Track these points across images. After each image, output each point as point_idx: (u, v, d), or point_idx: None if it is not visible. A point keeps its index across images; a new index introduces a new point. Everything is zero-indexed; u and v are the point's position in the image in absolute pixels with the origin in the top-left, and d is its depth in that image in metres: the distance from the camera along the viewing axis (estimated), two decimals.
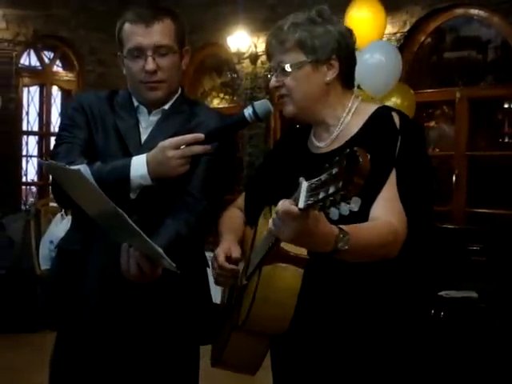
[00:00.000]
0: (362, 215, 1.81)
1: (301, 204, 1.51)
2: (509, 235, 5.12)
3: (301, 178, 1.56)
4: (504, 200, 6.25)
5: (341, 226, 1.67)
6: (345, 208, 1.44)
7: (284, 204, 1.58)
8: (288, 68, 1.98)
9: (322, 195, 1.45)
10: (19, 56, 8.04)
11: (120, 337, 2.22)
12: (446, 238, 5.32)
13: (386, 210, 1.83)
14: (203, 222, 2.19)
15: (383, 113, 1.99)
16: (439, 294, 4.75)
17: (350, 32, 2.04)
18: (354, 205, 1.44)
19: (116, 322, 2.20)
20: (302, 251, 1.81)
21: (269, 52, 2.06)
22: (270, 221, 1.66)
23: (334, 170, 1.43)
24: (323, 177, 1.46)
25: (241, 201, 2.25)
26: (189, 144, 2.11)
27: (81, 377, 2.27)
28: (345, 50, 2.00)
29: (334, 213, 1.46)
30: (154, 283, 2.10)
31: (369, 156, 1.43)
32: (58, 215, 6.76)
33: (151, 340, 2.23)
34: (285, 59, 1.99)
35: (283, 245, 1.78)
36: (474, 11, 6.34)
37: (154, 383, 2.27)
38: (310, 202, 1.49)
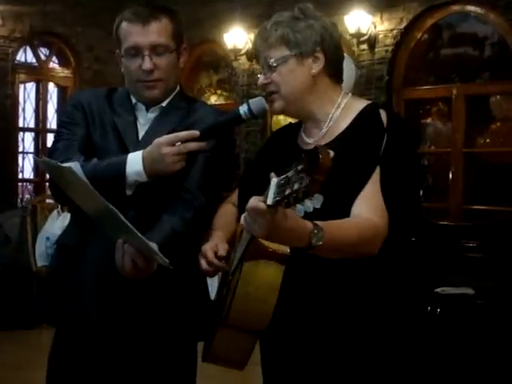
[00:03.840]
0: (344, 211, 1.83)
1: (269, 201, 1.54)
2: (505, 232, 5.13)
3: (272, 174, 1.59)
4: (500, 197, 6.27)
5: (316, 222, 1.68)
6: (308, 205, 1.46)
7: (252, 201, 1.60)
8: (273, 63, 1.99)
9: (287, 191, 1.47)
10: (15, 52, 8.04)
11: (118, 333, 2.22)
12: (442, 234, 5.34)
13: (368, 207, 1.84)
14: (200, 218, 2.19)
15: (371, 110, 2.00)
16: (435, 290, 4.76)
17: (333, 25, 2.06)
18: (317, 201, 1.46)
19: (114, 318, 2.21)
20: (283, 247, 1.81)
21: (255, 52, 2.08)
22: (242, 218, 1.68)
23: (299, 167, 1.46)
24: (290, 173, 1.49)
25: (235, 196, 2.25)
26: (184, 141, 2.12)
27: (79, 373, 2.28)
28: (329, 42, 2.01)
29: (299, 209, 1.48)
30: (152, 279, 2.10)
31: (331, 154, 1.46)
32: (55, 212, 6.77)
33: (149, 336, 2.23)
34: (270, 55, 2.01)
35: (263, 241, 1.79)
36: (471, 8, 6.36)
37: (151, 379, 2.28)
38: (277, 199, 1.51)
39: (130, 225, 1.92)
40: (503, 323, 4.46)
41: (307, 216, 1.64)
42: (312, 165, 1.44)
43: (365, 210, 1.83)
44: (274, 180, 1.55)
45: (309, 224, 1.67)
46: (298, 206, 1.48)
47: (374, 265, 1.90)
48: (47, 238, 6.59)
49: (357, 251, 1.82)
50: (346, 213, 1.83)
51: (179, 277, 2.17)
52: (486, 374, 4.38)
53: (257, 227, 1.62)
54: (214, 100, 8.44)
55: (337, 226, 1.75)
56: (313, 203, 1.47)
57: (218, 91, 8.60)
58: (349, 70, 5.76)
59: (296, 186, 1.45)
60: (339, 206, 1.83)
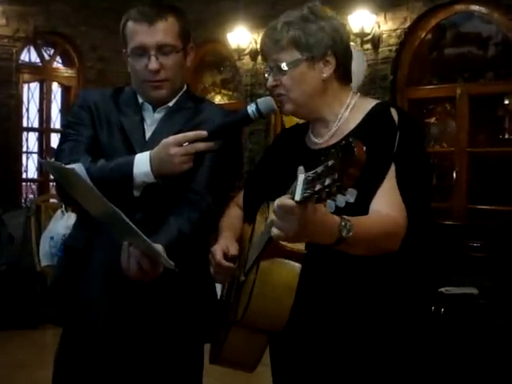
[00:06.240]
0: (361, 209, 1.82)
1: (297, 197, 1.52)
2: (509, 232, 5.12)
3: (300, 168, 1.56)
4: (504, 196, 6.25)
5: (342, 216, 1.67)
6: (341, 200, 1.46)
7: (279, 199, 1.58)
8: (284, 67, 1.98)
9: (318, 187, 1.46)
10: (19, 52, 8.03)
11: (124, 335, 2.22)
12: (446, 234, 5.32)
13: (387, 204, 1.84)
14: (207, 219, 2.18)
15: (381, 108, 1.99)
16: (439, 290, 4.75)
17: (343, 27, 2.05)
18: (350, 196, 1.46)
19: (121, 320, 2.20)
20: (300, 246, 1.80)
21: (264, 52, 2.06)
22: (269, 221, 1.66)
23: (330, 162, 1.45)
24: (319, 169, 1.47)
25: (240, 198, 2.25)
26: (192, 141, 2.11)
27: (85, 374, 2.27)
28: (340, 46, 2.00)
29: (330, 205, 1.47)
30: (159, 281, 2.09)
31: (364, 147, 1.44)
32: (59, 212, 6.76)
33: (156, 338, 2.22)
34: (280, 58, 1.99)
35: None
36: (475, 7, 6.34)
37: (158, 381, 2.27)
38: (306, 195, 1.49)
39: (134, 227, 1.91)
40: (507, 323, 4.45)
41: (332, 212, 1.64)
42: (347, 159, 1.42)
43: (384, 206, 1.83)
44: (302, 176, 1.53)
45: (336, 217, 1.66)
46: (328, 201, 1.47)
47: (390, 264, 1.90)
48: (51, 238, 6.58)
49: (380, 247, 1.81)
50: (364, 210, 1.83)
51: (186, 279, 2.17)
52: (490, 373, 4.38)
53: (288, 225, 1.58)
54: (218, 100, 8.43)
55: (362, 221, 1.75)
56: (346, 198, 1.45)
57: (223, 91, 8.59)
58: (359, 64, 5.73)
59: (328, 181, 1.43)
60: (358, 204, 1.82)
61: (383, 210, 1.83)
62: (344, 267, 1.88)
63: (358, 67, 5.60)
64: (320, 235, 1.66)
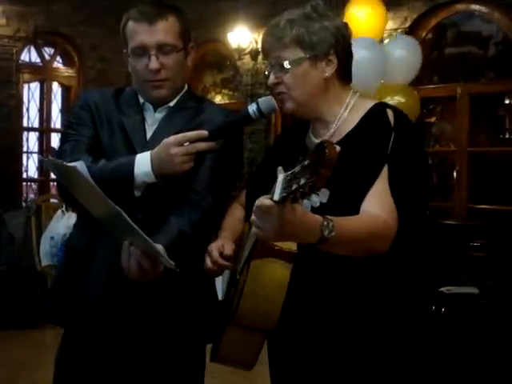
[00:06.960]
0: (353, 209, 1.82)
1: (276, 196, 1.53)
2: (510, 231, 5.12)
3: (279, 169, 1.58)
4: (505, 196, 6.26)
5: (325, 216, 1.68)
6: (315, 200, 1.47)
7: (258, 200, 1.60)
8: (287, 65, 1.97)
9: (294, 187, 1.47)
10: (19, 52, 8.03)
11: (126, 335, 2.21)
12: (447, 234, 5.33)
13: (377, 205, 1.84)
14: (207, 219, 2.18)
15: (378, 109, 1.99)
16: (440, 290, 4.75)
17: (345, 26, 2.04)
18: (323, 196, 1.47)
19: (123, 320, 2.20)
20: (290, 245, 1.81)
21: (265, 49, 2.05)
22: (252, 221, 1.67)
23: (306, 162, 1.46)
24: (296, 169, 1.49)
25: (243, 197, 2.25)
26: (193, 141, 2.11)
27: (86, 374, 2.27)
28: (342, 45, 2.00)
29: (306, 205, 1.47)
30: (160, 281, 2.09)
31: (337, 148, 1.46)
32: (59, 211, 6.76)
33: (157, 338, 2.22)
34: (283, 56, 1.98)
35: None
36: (475, 7, 6.35)
37: (159, 381, 2.27)
38: (284, 194, 1.50)
39: (135, 226, 1.91)
40: (508, 323, 4.45)
41: (314, 212, 1.65)
42: (318, 159, 1.43)
43: (374, 207, 1.83)
44: (281, 176, 1.55)
45: (318, 217, 1.66)
46: (304, 201, 1.48)
47: (382, 263, 1.90)
48: (52, 238, 6.58)
49: (367, 247, 1.81)
50: (354, 211, 1.83)
51: (187, 279, 2.16)
52: (491, 373, 4.37)
53: (267, 226, 1.60)
54: (218, 99, 8.43)
55: (347, 221, 1.75)
56: (319, 198, 1.47)
57: (223, 91, 8.59)
58: (415, 54, 5.68)
59: (302, 181, 1.44)
60: (347, 204, 1.83)
61: (373, 210, 1.82)
62: (336, 267, 1.88)
63: (415, 57, 5.57)
64: (301, 235, 1.67)
